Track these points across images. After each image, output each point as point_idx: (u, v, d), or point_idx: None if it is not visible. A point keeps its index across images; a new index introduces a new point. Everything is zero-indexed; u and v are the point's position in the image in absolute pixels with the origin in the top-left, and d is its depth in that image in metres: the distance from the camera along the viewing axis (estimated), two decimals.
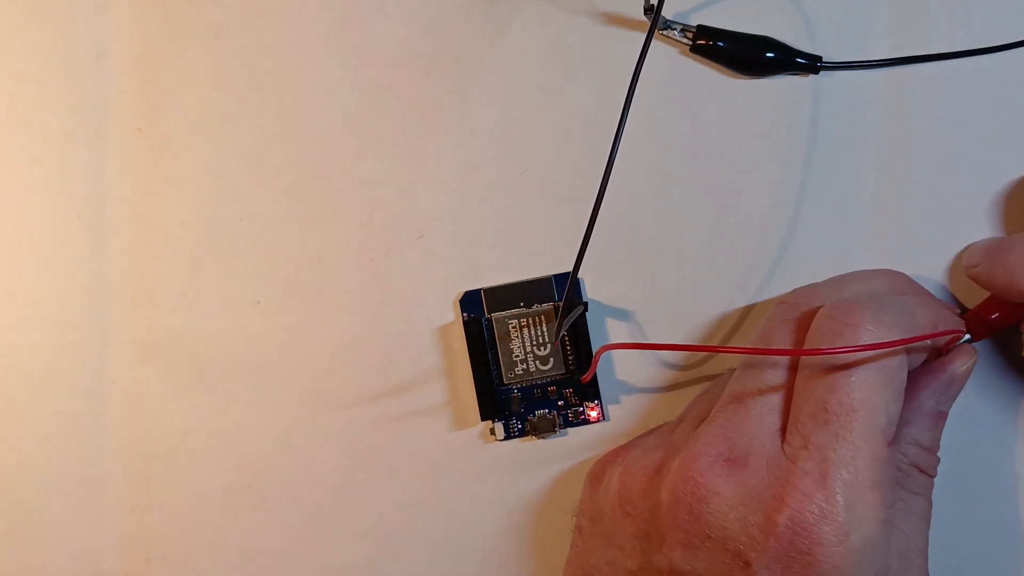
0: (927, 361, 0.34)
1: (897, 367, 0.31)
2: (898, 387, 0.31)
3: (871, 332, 0.30)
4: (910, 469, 0.33)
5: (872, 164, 0.37)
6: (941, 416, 0.34)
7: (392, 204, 0.38)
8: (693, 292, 0.37)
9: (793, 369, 0.32)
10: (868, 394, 0.30)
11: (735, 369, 0.34)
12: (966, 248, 0.37)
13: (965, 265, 0.36)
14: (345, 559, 0.38)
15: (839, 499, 0.29)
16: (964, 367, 0.34)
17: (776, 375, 0.32)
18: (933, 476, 0.34)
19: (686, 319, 0.38)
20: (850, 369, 0.30)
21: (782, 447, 0.30)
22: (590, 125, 0.37)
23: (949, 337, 0.34)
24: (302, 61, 0.38)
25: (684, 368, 0.38)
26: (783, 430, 0.31)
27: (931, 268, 0.37)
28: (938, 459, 0.34)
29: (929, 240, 0.37)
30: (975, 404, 0.37)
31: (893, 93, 0.37)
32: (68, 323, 0.38)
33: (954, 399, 0.35)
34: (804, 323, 0.33)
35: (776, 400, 0.31)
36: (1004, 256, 0.34)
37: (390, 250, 0.38)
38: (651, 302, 0.38)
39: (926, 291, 0.36)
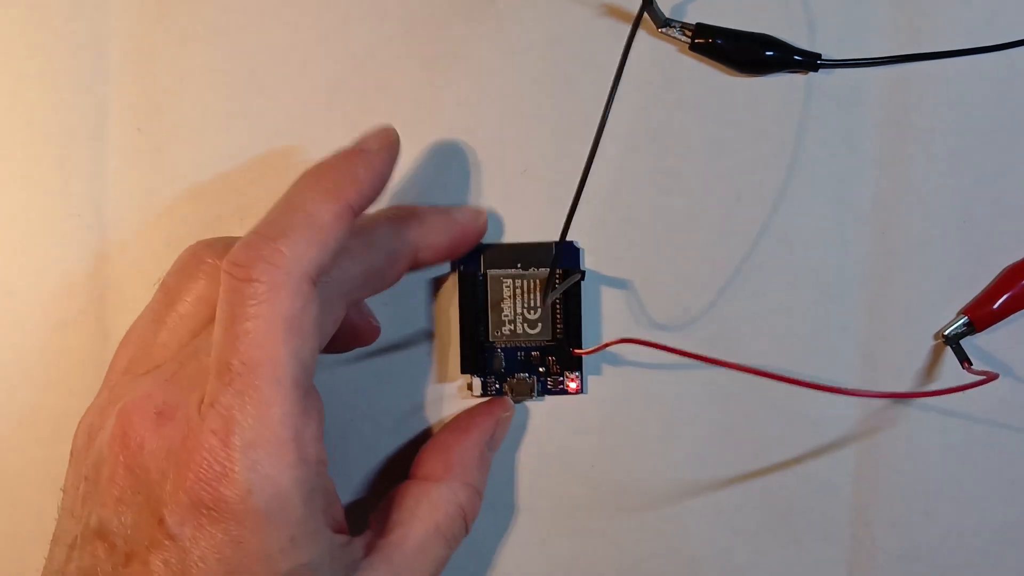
0: (475, 406, 0.37)
1: (300, 306, 0.29)
2: (307, 326, 0.29)
3: (264, 281, 0.28)
4: (457, 512, 0.34)
5: (871, 162, 0.37)
6: (488, 459, 0.36)
7: (392, 204, 0.38)
8: (692, 292, 0.38)
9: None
10: (270, 348, 0.28)
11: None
12: None
13: None
14: None
15: (240, 458, 0.28)
16: (507, 415, 0.37)
17: (207, 336, 0.30)
18: (470, 525, 0.35)
19: (685, 313, 0.38)
20: (247, 323, 0.28)
21: (199, 405, 0.29)
22: (590, 124, 0.37)
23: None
24: (302, 61, 0.38)
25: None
26: None
27: (931, 268, 0.37)
28: (481, 499, 0.35)
29: (929, 240, 0.37)
30: (975, 403, 0.37)
31: (892, 91, 0.37)
32: (68, 324, 0.38)
33: (499, 445, 0.37)
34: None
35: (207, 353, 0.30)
36: None
37: None
38: (649, 302, 0.38)
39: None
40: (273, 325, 0.28)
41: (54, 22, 0.37)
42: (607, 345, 0.35)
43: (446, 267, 0.38)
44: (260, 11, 0.38)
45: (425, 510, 0.34)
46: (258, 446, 0.28)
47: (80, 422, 0.32)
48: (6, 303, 0.38)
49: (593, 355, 0.38)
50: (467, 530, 0.35)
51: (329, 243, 0.29)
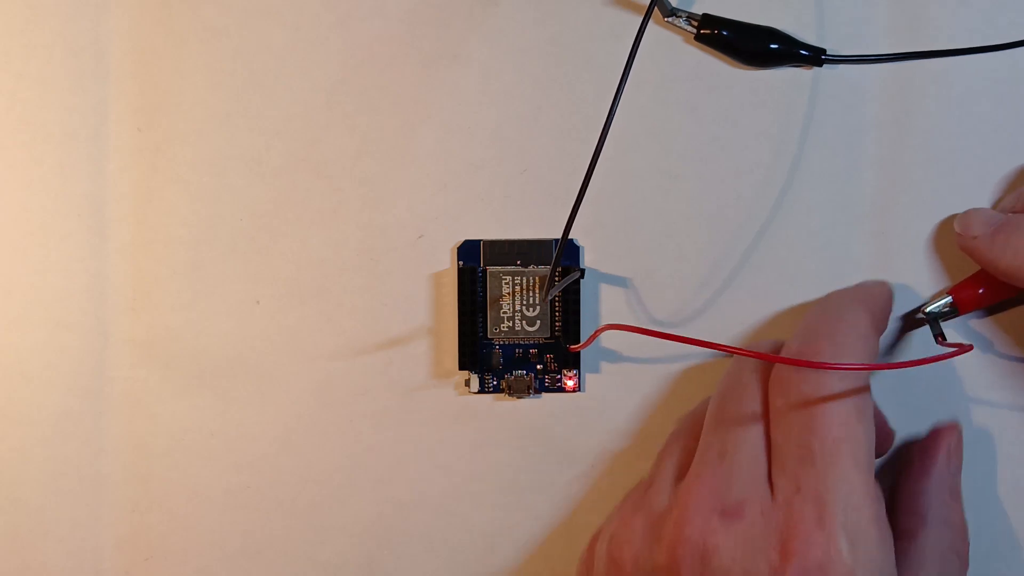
0: (917, 446, 0.35)
1: (865, 391, 0.31)
2: (870, 413, 0.31)
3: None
4: (950, 555, 0.33)
5: (873, 159, 0.37)
6: (958, 492, 0.34)
7: (392, 204, 0.38)
8: (691, 290, 0.37)
9: (766, 417, 0.32)
10: (848, 428, 0.30)
11: (687, 418, 0.35)
12: (964, 214, 0.36)
13: (960, 232, 0.35)
14: (345, 559, 0.38)
15: (842, 539, 0.29)
16: (955, 441, 0.35)
17: (754, 425, 0.32)
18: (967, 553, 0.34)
19: (684, 312, 0.38)
20: (824, 405, 0.30)
21: (772, 495, 0.30)
22: (592, 123, 0.37)
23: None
24: (302, 61, 0.38)
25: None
26: (769, 476, 0.31)
27: (931, 268, 0.37)
28: (965, 527, 0.34)
29: (929, 240, 0.37)
30: (969, 404, 0.37)
31: (896, 88, 0.37)
32: (68, 323, 0.38)
33: (960, 471, 0.35)
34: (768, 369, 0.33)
35: (759, 448, 0.31)
36: (1014, 237, 0.33)
37: (390, 250, 0.38)
38: (649, 300, 0.38)
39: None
40: (849, 406, 0.30)
41: (54, 22, 0.37)
42: (597, 333, 0.34)
43: (446, 262, 0.38)
44: (260, 11, 0.38)
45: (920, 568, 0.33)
46: (852, 525, 0.29)
47: (610, 543, 0.33)
48: (6, 303, 0.38)
49: (591, 353, 0.37)
50: (967, 561, 0.34)
51: (870, 346, 0.32)
